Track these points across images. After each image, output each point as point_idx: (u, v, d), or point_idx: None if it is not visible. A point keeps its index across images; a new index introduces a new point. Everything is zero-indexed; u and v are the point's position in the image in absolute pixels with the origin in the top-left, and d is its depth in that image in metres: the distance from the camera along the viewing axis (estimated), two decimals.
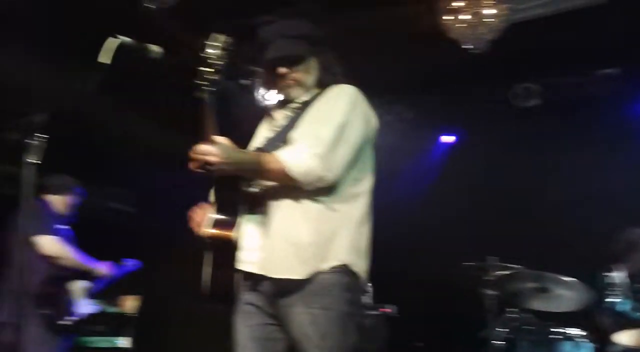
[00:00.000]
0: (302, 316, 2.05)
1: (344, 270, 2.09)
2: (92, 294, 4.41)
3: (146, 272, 5.13)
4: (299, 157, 2.02)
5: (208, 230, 2.05)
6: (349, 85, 2.25)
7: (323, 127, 2.09)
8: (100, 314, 5.11)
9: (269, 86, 2.31)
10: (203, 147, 1.91)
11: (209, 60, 1.96)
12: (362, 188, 2.21)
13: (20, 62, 4.88)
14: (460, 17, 4.29)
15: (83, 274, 4.31)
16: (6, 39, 4.65)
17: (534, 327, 4.18)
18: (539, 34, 4.92)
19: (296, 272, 2.04)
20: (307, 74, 2.24)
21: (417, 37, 5.03)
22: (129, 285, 5.22)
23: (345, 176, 2.12)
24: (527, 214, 5.81)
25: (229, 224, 2.05)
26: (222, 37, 2.00)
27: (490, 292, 4.30)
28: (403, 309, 5.17)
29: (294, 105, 2.25)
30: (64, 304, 4.03)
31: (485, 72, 5.48)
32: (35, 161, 2.03)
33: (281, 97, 2.29)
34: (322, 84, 2.26)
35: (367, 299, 4.91)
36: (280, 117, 2.29)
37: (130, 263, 4.94)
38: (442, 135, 6.84)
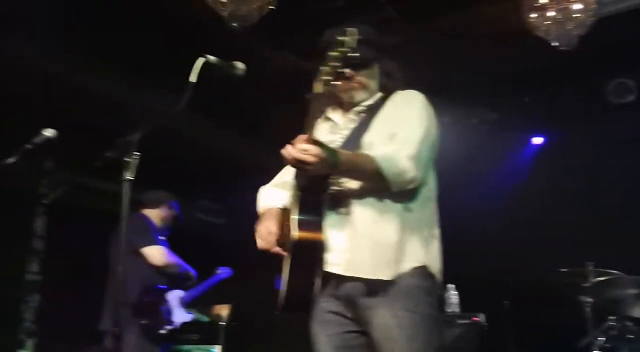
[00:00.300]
0: (386, 318, 2.04)
1: (424, 272, 2.12)
2: (186, 303, 4.55)
3: (237, 282, 5.26)
4: (393, 158, 2.05)
5: (295, 233, 2.02)
6: (417, 91, 2.29)
7: (410, 130, 2.14)
8: (194, 322, 5.28)
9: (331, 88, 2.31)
10: (303, 145, 1.92)
11: (334, 55, 1.91)
12: (432, 192, 2.26)
13: (116, 83, 5.17)
14: (547, 14, 4.14)
15: (178, 284, 4.46)
16: (103, 62, 4.95)
17: (633, 336, 3.96)
18: (632, 27, 4.69)
19: (382, 273, 2.06)
20: (371, 78, 2.29)
21: (504, 37, 4.93)
22: (220, 294, 5.37)
23: (423, 180, 2.18)
24: (625, 216, 5.52)
25: (316, 225, 2.06)
26: (352, 33, 1.92)
27: (588, 299, 4.12)
28: (494, 317, 5.02)
29: (358, 109, 2.29)
30: (162, 313, 4.17)
31: (576, 70, 5.28)
32: (131, 178, 2.12)
33: (342, 101, 2.31)
34: (385, 89, 2.31)
35: (455, 307, 4.81)
36: (343, 120, 2.32)
37: (224, 271, 5.08)
38: (532, 136, 6.61)
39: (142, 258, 4.09)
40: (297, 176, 2.11)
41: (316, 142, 1.94)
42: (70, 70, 4.81)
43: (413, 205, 2.16)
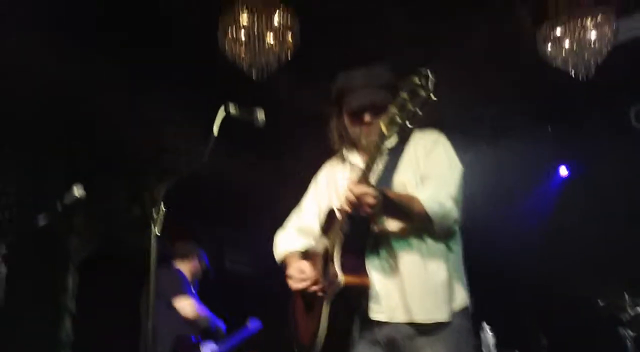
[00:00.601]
0: None
1: (467, 312, 2.12)
2: None
3: (266, 330, 5.21)
4: (438, 200, 2.04)
5: (341, 277, 1.97)
6: (437, 131, 2.30)
7: (444, 173, 2.14)
8: None
9: (348, 132, 2.30)
10: (362, 188, 1.91)
11: (405, 99, 1.84)
12: (459, 234, 2.25)
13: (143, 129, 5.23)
14: (563, 45, 4.16)
15: (210, 335, 4.44)
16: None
17: None
18: None
19: (439, 314, 2.03)
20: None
21: (524, 69, 4.95)
22: (250, 342, 5.32)
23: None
24: None
25: (361, 269, 2.02)
26: (425, 74, 1.82)
27: (629, 332, 3.99)
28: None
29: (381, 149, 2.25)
30: None
31: (599, 97, 5.25)
32: (159, 233, 2.13)
33: (361, 144, 2.28)
34: (402, 129, 2.23)
35: (492, 348, 4.68)
36: (362, 162, 2.25)
37: (254, 324, 5.05)
38: (559, 166, 6.55)
39: (174, 311, 4.10)
40: (340, 220, 2.06)
41: (371, 185, 1.94)
42: (97, 114, 4.89)
43: (452, 244, 2.16)
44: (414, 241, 2.09)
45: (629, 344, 4.00)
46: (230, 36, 3.72)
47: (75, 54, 4.25)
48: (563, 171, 6.52)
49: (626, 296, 4.06)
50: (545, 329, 5.26)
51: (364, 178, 1.96)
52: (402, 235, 2.10)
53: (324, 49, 4.42)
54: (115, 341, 5.04)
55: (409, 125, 1.87)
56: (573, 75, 4.17)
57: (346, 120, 2.28)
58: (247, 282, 7.40)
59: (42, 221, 2.56)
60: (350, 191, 1.92)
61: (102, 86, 4.66)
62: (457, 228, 2.17)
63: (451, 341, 2.02)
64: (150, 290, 2.19)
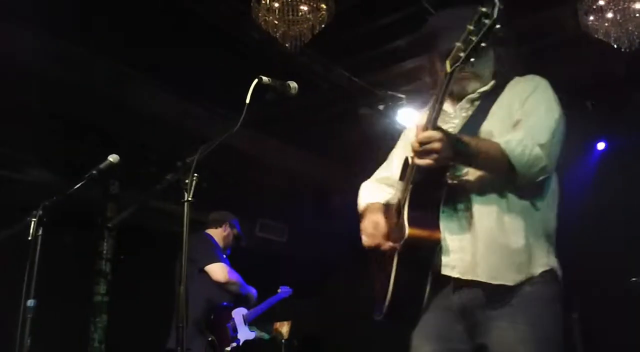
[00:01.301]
0: (505, 331, 1.85)
1: (552, 277, 1.93)
2: (249, 321, 4.59)
3: (297, 299, 5.28)
4: (524, 145, 1.84)
5: (406, 230, 1.83)
6: (539, 77, 2.09)
7: (538, 117, 1.94)
8: (257, 340, 5.32)
9: (438, 77, 2.05)
10: (427, 133, 1.76)
11: (471, 29, 1.67)
12: (555, 189, 2.07)
13: (175, 104, 5.33)
14: (605, 16, 4.03)
15: (241, 302, 4.51)
16: (161, 84, 5.10)
17: None
18: None
19: (508, 278, 1.86)
20: (486, 66, 2.09)
21: (565, 43, 4.84)
22: (281, 311, 5.40)
23: (551, 175, 1.99)
24: None
25: (431, 223, 1.87)
26: (496, 3, 1.64)
27: None
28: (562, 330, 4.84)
29: (472, 96, 2.09)
30: (228, 330, 4.23)
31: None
32: (191, 199, 2.16)
33: (453, 91, 2.08)
34: (499, 76, 2.11)
35: None
36: (454, 109, 2.12)
37: (285, 290, 5.11)
38: (596, 142, 6.41)
39: (206, 277, 4.17)
40: (411, 169, 1.93)
41: (439, 129, 1.78)
42: (129, 93, 4.99)
43: (540, 202, 1.96)
44: (493, 195, 1.91)
45: None
46: (263, 4, 3.70)
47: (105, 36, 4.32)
48: (601, 146, 6.38)
49: None
50: (576, 306, 5.21)
51: (429, 122, 1.79)
52: (480, 188, 1.92)
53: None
54: (151, 305, 5.17)
55: (472, 60, 1.68)
56: (615, 48, 4.05)
57: (438, 65, 2.08)
58: (280, 252, 7.50)
59: (77, 185, 2.62)
60: (415, 137, 1.78)
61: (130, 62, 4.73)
62: (546, 180, 1.95)
63: (531, 312, 1.85)
64: (183, 255, 2.22)
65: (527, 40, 4.91)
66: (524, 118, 1.95)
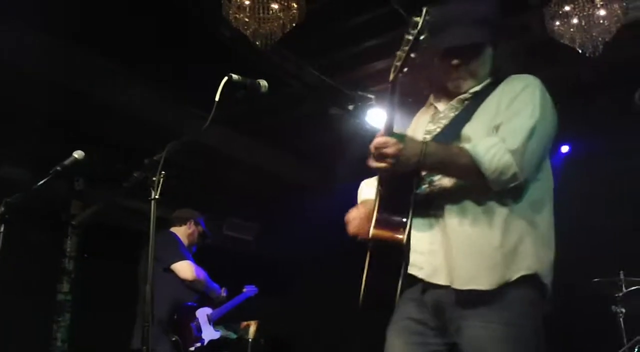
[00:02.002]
0: (478, 330, 1.83)
1: (533, 281, 1.89)
2: (214, 321, 4.56)
3: (264, 298, 5.27)
4: (493, 152, 1.81)
5: (372, 230, 1.83)
6: (532, 76, 2.03)
7: (518, 120, 1.88)
8: (221, 339, 5.29)
9: (433, 75, 2.06)
10: (380, 139, 1.75)
11: (407, 39, 1.66)
12: (546, 194, 2.03)
13: (143, 101, 5.27)
14: (571, 21, 4.11)
15: (207, 301, 4.48)
16: (129, 79, 5.05)
17: None
18: None
19: (483, 282, 1.83)
20: (482, 64, 2.03)
21: (530, 47, 4.92)
22: (248, 311, 5.38)
23: (532, 179, 1.93)
24: None
25: (397, 225, 1.84)
26: (423, 14, 1.64)
27: (621, 309, 4.04)
28: None
29: (463, 96, 2.05)
30: (192, 330, 4.20)
31: (605, 77, 5.22)
32: (158, 197, 2.14)
33: (447, 88, 2.06)
34: (495, 73, 2.05)
35: None
36: (445, 108, 2.08)
37: (250, 290, 5.10)
38: (560, 145, 6.54)
39: (171, 275, 4.13)
40: (389, 173, 1.90)
41: (394, 135, 1.76)
42: (98, 87, 4.92)
43: (521, 209, 1.90)
44: (468, 200, 1.88)
45: (620, 320, 4.03)
46: (234, 1, 3.68)
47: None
48: (564, 149, 6.51)
49: (622, 275, 4.09)
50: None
51: (385, 128, 1.77)
52: (455, 192, 1.90)
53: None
54: (114, 304, 5.10)
55: (404, 70, 1.68)
56: (580, 53, 4.14)
57: (435, 60, 2.02)
58: (248, 251, 7.47)
59: (41, 181, 2.57)
60: (373, 143, 1.77)
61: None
62: (526, 185, 1.90)
63: (502, 311, 1.82)
64: (150, 253, 2.19)
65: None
66: (506, 121, 1.91)
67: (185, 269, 4.14)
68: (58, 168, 2.64)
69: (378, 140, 1.76)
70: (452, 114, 2.04)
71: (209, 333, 4.42)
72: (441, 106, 2.10)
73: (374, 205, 1.93)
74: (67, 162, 2.66)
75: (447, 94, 2.08)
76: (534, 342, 1.87)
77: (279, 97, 5.21)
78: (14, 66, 4.33)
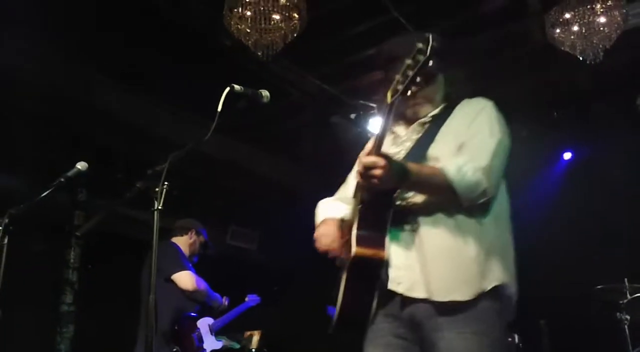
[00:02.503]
0: (453, 342, 1.90)
1: (501, 292, 1.98)
2: (216, 331, 4.55)
3: (267, 308, 5.26)
4: (464, 170, 1.92)
5: (354, 248, 1.90)
6: (485, 99, 2.18)
7: (480, 140, 2.02)
8: (225, 349, 5.27)
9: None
10: (370, 159, 1.82)
11: (409, 63, 1.74)
12: (504, 207, 2.14)
13: (147, 113, 5.29)
14: (571, 29, 4.13)
15: (209, 311, 4.47)
16: (134, 91, 5.06)
17: None
18: None
19: (459, 294, 1.91)
20: (437, 90, 2.19)
21: (531, 55, 4.94)
22: (251, 320, 5.37)
23: (495, 195, 2.04)
24: None
25: (378, 242, 1.93)
26: (428, 39, 1.71)
27: (625, 316, 4.02)
28: (529, 337, 4.90)
29: (423, 120, 2.17)
30: (193, 341, 4.18)
31: (606, 83, 5.23)
32: (161, 207, 2.15)
33: (405, 114, 2.18)
34: (450, 99, 2.20)
35: None
36: (407, 132, 2.19)
37: (253, 299, 5.09)
38: (563, 152, 6.54)
39: (173, 286, 4.12)
40: (360, 190, 2.00)
41: (382, 155, 1.84)
42: (98, 99, 4.93)
43: (487, 220, 2.02)
44: (441, 215, 1.98)
45: (625, 327, 4.02)
46: (236, 12, 3.70)
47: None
48: (567, 156, 6.51)
49: (626, 282, 4.08)
50: (544, 312, 5.29)
51: (375, 148, 1.85)
52: (428, 209, 2.00)
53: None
54: (118, 314, 5.09)
55: (409, 92, 1.78)
56: (581, 60, 4.15)
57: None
58: (251, 259, 7.46)
59: (44, 192, 2.58)
60: (359, 161, 1.86)
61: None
62: (490, 200, 2.00)
63: (474, 321, 1.91)
64: (152, 264, 2.20)
65: (496, 52, 5.02)
66: (468, 141, 2.03)
67: (185, 279, 4.13)
68: (62, 179, 2.65)
69: (368, 159, 1.83)
70: (414, 137, 2.16)
71: (211, 343, 4.41)
72: (401, 131, 2.22)
73: (352, 222, 2.01)
74: (70, 173, 2.67)
75: (405, 120, 2.21)
76: (503, 349, 2.00)
77: (281, 106, 5.22)
78: (15, 77, 4.35)
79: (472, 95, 2.23)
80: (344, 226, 2.19)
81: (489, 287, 1.94)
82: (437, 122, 2.13)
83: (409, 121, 2.20)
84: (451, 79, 2.22)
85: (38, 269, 5.35)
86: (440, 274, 1.94)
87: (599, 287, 4.20)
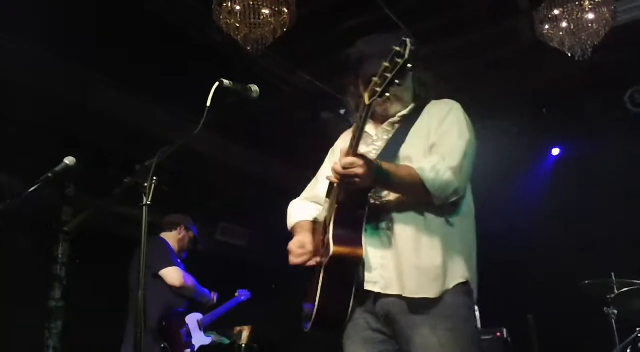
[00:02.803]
0: (427, 338, 1.97)
1: (466, 288, 2.06)
2: (205, 326, 4.53)
3: (257, 304, 5.25)
4: (436, 170, 1.99)
5: (331, 248, 1.94)
6: (453, 101, 2.25)
7: (451, 141, 2.09)
8: (214, 345, 5.25)
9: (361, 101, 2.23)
10: (349, 159, 1.88)
11: (387, 66, 1.76)
12: (470, 206, 2.20)
13: (135, 109, 5.26)
14: (560, 25, 4.15)
15: (198, 307, 4.46)
16: (122, 87, 5.03)
17: None
18: None
19: (427, 292, 1.98)
20: (406, 90, 2.23)
21: (521, 51, 4.95)
22: (241, 316, 5.36)
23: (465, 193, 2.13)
24: None
25: (355, 241, 1.99)
26: (404, 42, 1.74)
27: (613, 311, 4.05)
28: (517, 332, 4.94)
29: (392, 120, 2.22)
30: (181, 337, 4.16)
31: (595, 79, 5.26)
32: (150, 203, 2.13)
33: (375, 112, 2.22)
34: (419, 99, 2.25)
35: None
36: (376, 132, 2.25)
37: (243, 294, 5.08)
38: (551, 148, 6.57)
39: (160, 282, 4.10)
40: (335, 190, 2.04)
41: (360, 155, 1.90)
42: (89, 96, 4.90)
43: (454, 219, 2.10)
44: (412, 214, 2.05)
45: (612, 321, 4.05)
46: (225, 6, 3.68)
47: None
48: (555, 152, 6.54)
49: (613, 277, 4.11)
50: (532, 307, 5.33)
51: (352, 148, 1.91)
52: (400, 207, 2.06)
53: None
54: (106, 310, 5.07)
55: (387, 95, 1.81)
56: (570, 56, 4.17)
57: (361, 88, 2.21)
58: (241, 256, 7.45)
59: (32, 188, 2.55)
60: (338, 162, 1.90)
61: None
62: (458, 199, 2.08)
63: (445, 318, 1.98)
64: (142, 259, 2.19)
65: (486, 50, 5.03)
66: (438, 141, 2.11)
67: (172, 275, 4.11)
68: (49, 175, 2.62)
69: (346, 160, 1.88)
70: (385, 137, 2.21)
71: (200, 339, 4.39)
72: (371, 130, 2.26)
73: (326, 220, 2.07)
74: (58, 168, 2.65)
75: (375, 118, 2.26)
76: (476, 342, 2.07)
77: (271, 102, 5.20)
78: (9, 75, 4.32)
79: (441, 95, 2.29)
80: (317, 227, 2.24)
81: (454, 284, 2.02)
82: (407, 123, 2.20)
83: (377, 119, 2.26)
84: (420, 79, 2.27)
85: (26, 264, 5.31)
86: (410, 272, 2.00)
87: (586, 282, 4.23)
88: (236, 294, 5.11)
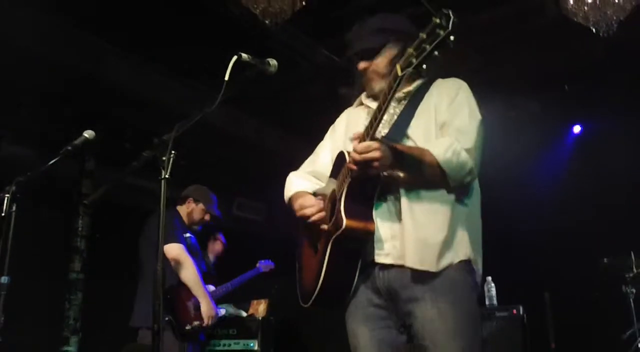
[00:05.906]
0: (429, 311, 1.99)
1: (469, 266, 2.08)
2: (218, 298, 4.47)
3: (274, 277, 5.29)
4: (451, 151, 1.99)
5: (343, 221, 1.94)
6: (460, 79, 2.24)
7: (462, 120, 2.09)
8: (231, 317, 5.30)
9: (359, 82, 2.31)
10: (365, 144, 1.88)
11: (426, 39, 1.72)
12: (477, 189, 2.21)
13: (153, 82, 5.25)
14: (585, 0, 4.05)
15: (209, 278, 4.43)
16: (141, 61, 5.03)
17: None
18: None
19: (431, 265, 2.00)
20: (389, 65, 2.17)
21: (544, 28, 4.86)
22: (259, 289, 5.40)
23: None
24: None
25: (366, 214, 2.00)
26: (446, 14, 1.70)
27: (631, 289, 4.03)
28: (534, 309, 4.92)
29: (398, 96, 2.18)
30: (188, 309, 4.04)
31: (619, 56, 5.15)
32: (168, 176, 2.14)
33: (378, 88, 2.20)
34: (425, 75, 2.20)
35: (493, 299, 4.75)
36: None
37: (264, 263, 5.08)
38: (573, 125, 6.48)
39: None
40: (345, 168, 2.04)
41: (376, 139, 1.89)
42: (105, 68, 4.90)
43: (465, 198, 2.12)
44: (422, 190, 2.05)
45: (630, 300, 4.03)
46: None
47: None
48: (576, 129, 6.46)
49: (632, 256, 4.07)
50: (548, 285, 5.30)
51: (368, 131, 1.91)
52: (410, 182, 2.05)
53: None
54: (125, 282, 5.13)
55: (424, 67, 1.75)
56: (594, 32, 4.08)
57: (356, 68, 2.27)
58: (257, 231, 7.49)
59: (52, 161, 2.58)
60: (354, 148, 1.89)
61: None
62: (472, 180, 2.11)
63: (446, 292, 2.00)
64: (160, 233, 2.20)
65: (509, 25, 4.94)
66: (450, 121, 2.10)
67: (171, 251, 3.95)
68: (69, 148, 2.64)
69: (362, 145, 1.88)
70: (391, 112, 2.17)
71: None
72: (373, 105, 2.19)
73: (334, 194, 2.08)
74: (77, 141, 2.67)
75: (374, 93, 2.24)
76: (476, 321, 2.10)
77: (288, 76, 5.17)
78: (21, 47, 4.32)
79: (449, 73, 2.26)
80: (320, 200, 2.23)
81: (457, 261, 2.04)
82: (414, 99, 2.18)
83: (377, 96, 2.18)
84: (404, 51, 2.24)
85: (47, 237, 5.39)
86: (416, 245, 2.00)
87: (605, 260, 4.20)
88: (257, 265, 5.11)
